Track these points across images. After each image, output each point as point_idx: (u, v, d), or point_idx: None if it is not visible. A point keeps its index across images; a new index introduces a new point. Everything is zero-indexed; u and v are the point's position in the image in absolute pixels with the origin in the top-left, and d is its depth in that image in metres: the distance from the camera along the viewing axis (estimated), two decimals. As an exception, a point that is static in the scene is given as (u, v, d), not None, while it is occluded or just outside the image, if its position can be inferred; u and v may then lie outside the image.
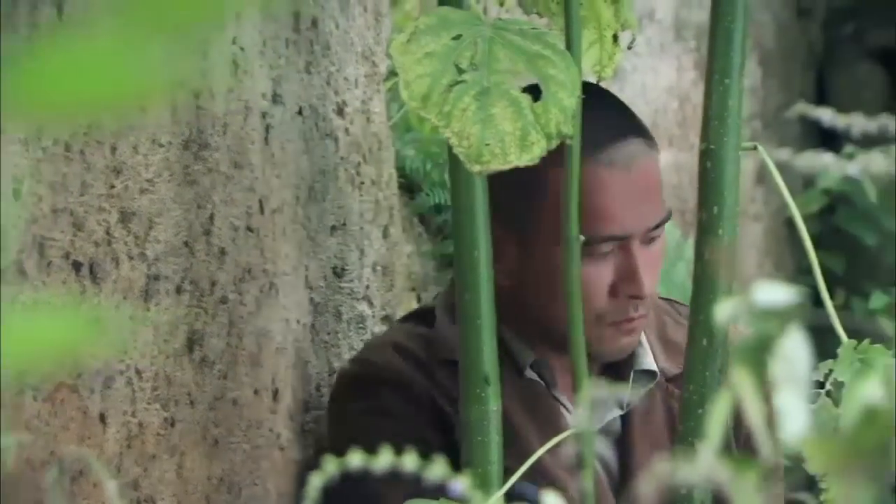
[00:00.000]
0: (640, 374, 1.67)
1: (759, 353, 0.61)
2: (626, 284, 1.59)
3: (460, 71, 1.34)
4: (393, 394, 1.61)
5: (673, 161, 2.85)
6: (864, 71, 3.72)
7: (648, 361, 1.67)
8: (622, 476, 1.68)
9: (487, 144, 1.32)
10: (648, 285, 1.60)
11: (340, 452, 0.92)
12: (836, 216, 3.39)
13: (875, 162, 0.96)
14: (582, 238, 1.48)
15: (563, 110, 1.36)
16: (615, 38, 1.68)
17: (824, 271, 1.49)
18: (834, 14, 3.87)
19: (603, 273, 1.59)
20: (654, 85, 2.88)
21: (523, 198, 1.59)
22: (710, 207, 1.54)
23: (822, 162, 1.06)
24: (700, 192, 1.54)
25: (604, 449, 1.66)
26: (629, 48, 1.71)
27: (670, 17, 2.95)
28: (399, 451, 0.87)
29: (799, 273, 3.24)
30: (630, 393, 1.65)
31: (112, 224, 1.41)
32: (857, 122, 0.81)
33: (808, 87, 3.80)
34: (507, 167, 1.35)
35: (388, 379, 1.61)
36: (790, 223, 3.14)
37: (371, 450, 0.90)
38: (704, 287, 1.54)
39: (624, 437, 1.68)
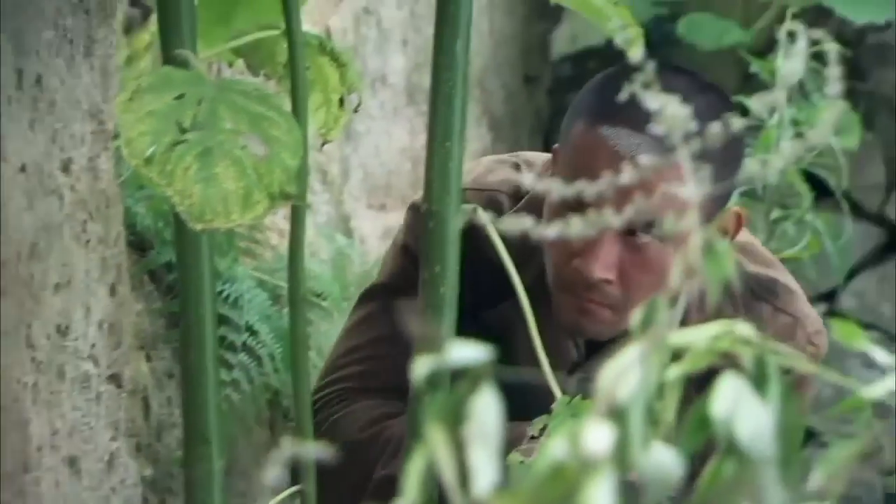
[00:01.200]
0: None
1: (452, 411, 0.61)
2: (579, 259, 1.59)
3: (183, 130, 1.31)
4: None
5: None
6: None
7: None
8: None
9: (210, 203, 1.30)
10: (598, 270, 1.58)
11: None
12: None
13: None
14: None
15: (286, 170, 1.35)
16: (341, 101, 1.68)
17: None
18: (559, 82, 3.97)
19: (568, 241, 1.54)
20: (388, 147, 2.89)
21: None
22: (433, 266, 1.54)
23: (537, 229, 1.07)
24: (423, 251, 1.55)
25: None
26: (355, 111, 1.71)
27: (403, 82, 2.97)
28: None
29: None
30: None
31: None
32: (555, 186, 0.82)
33: (535, 151, 3.87)
34: (230, 225, 1.33)
35: None
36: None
37: None
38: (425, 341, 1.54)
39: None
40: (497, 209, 1.74)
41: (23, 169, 1.65)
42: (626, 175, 1.49)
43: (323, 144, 1.71)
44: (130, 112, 1.29)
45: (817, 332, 1.74)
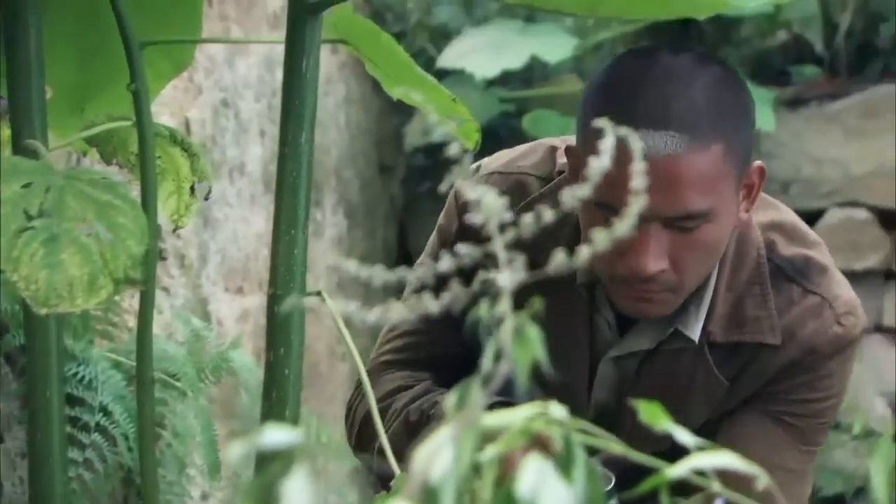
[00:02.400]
0: (679, 335, 1.66)
1: (265, 494, 0.60)
2: (632, 256, 1.54)
3: (30, 218, 1.29)
4: None
5: (259, 303, 2.84)
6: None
7: (690, 326, 1.65)
8: (616, 411, 1.71)
9: (55, 288, 1.27)
10: (652, 264, 1.54)
11: None
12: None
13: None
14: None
15: (131, 257, 1.32)
16: (192, 189, 1.66)
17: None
18: (413, 172, 3.98)
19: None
20: (245, 233, 2.87)
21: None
22: (277, 348, 1.52)
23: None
24: (268, 334, 1.53)
25: (609, 371, 1.71)
26: (206, 199, 1.69)
27: (260, 171, 2.95)
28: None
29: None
30: (648, 343, 1.68)
31: None
32: (377, 274, 0.81)
33: (390, 238, 3.88)
34: (75, 310, 1.30)
35: None
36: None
37: None
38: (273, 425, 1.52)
39: (633, 378, 1.70)
40: (522, 192, 1.73)
41: None
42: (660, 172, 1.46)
43: (175, 230, 1.69)
44: (-23, 200, 1.26)
45: (847, 314, 1.68)
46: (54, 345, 1.43)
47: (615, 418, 1.72)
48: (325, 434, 2.25)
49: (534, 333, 0.73)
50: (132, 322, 2.25)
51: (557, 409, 0.80)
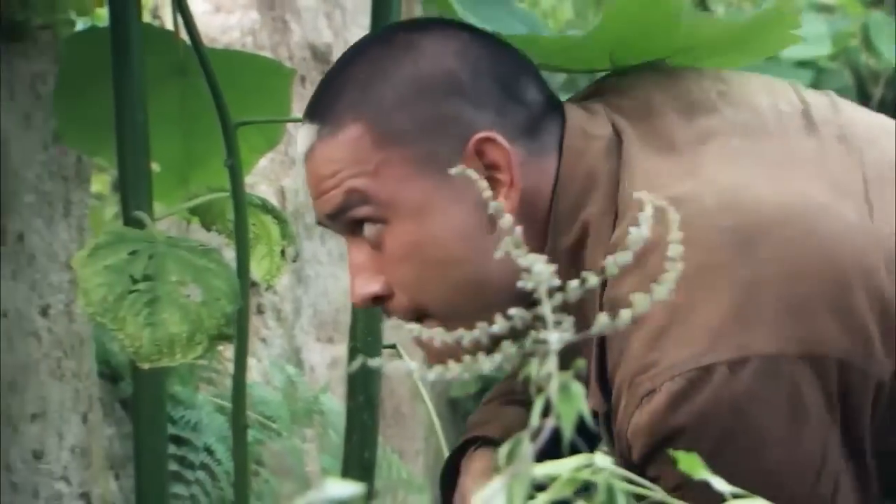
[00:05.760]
0: None
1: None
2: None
3: (135, 281, 1.28)
4: None
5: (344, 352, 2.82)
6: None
7: None
8: None
9: (157, 345, 1.26)
10: (355, 291, 1.11)
11: None
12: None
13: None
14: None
15: (224, 315, 1.31)
16: (283, 252, 1.65)
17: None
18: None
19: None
20: (335, 288, 2.85)
21: None
22: (357, 396, 1.50)
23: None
24: (348, 383, 1.51)
25: None
26: (294, 261, 1.68)
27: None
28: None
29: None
30: None
31: None
32: (438, 334, 0.78)
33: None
34: (174, 363, 1.29)
35: None
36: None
37: None
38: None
39: None
40: None
41: (5, 315, 1.60)
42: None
43: (267, 288, 1.68)
44: (88, 266, 1.25)
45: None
46: (159, 392, 1.42)
47: None
48: (404, 471, 2.22)
49: (578, 389, 0.70)
50: (232, 369, 2.24)
51: (602, 459, 0.76)
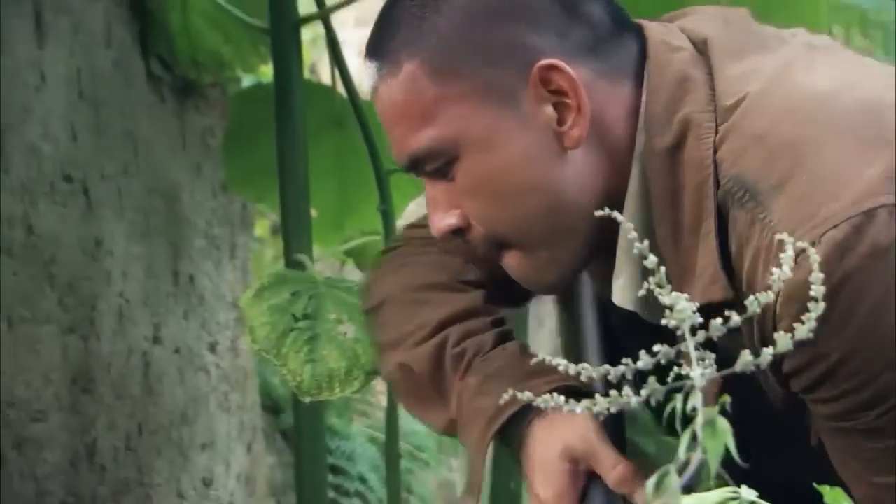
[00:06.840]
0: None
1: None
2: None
3: (296, 319, 1.31)
4: None
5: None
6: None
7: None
8: None
9: (317, 380, 1.29)
10: (435, 224, 1.05)
11: None
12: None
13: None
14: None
15: (380, 352, 1.34)
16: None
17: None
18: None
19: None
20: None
21: None
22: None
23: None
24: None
25: None
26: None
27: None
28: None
29: None
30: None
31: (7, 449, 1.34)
32: (585, 371, 0.79)
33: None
34: (333, 398, 1.32)
35: None
36: None
37: None
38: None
39: None
40: None
41: (177, 351, 1.65)
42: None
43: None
44: (254, 306, 1.29)
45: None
46: (319, 425, 1.45)
47: None
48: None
49: (724, 425, 0.70)
50: (384, 402, 2.27)
51: (748, 492, 0.76)
